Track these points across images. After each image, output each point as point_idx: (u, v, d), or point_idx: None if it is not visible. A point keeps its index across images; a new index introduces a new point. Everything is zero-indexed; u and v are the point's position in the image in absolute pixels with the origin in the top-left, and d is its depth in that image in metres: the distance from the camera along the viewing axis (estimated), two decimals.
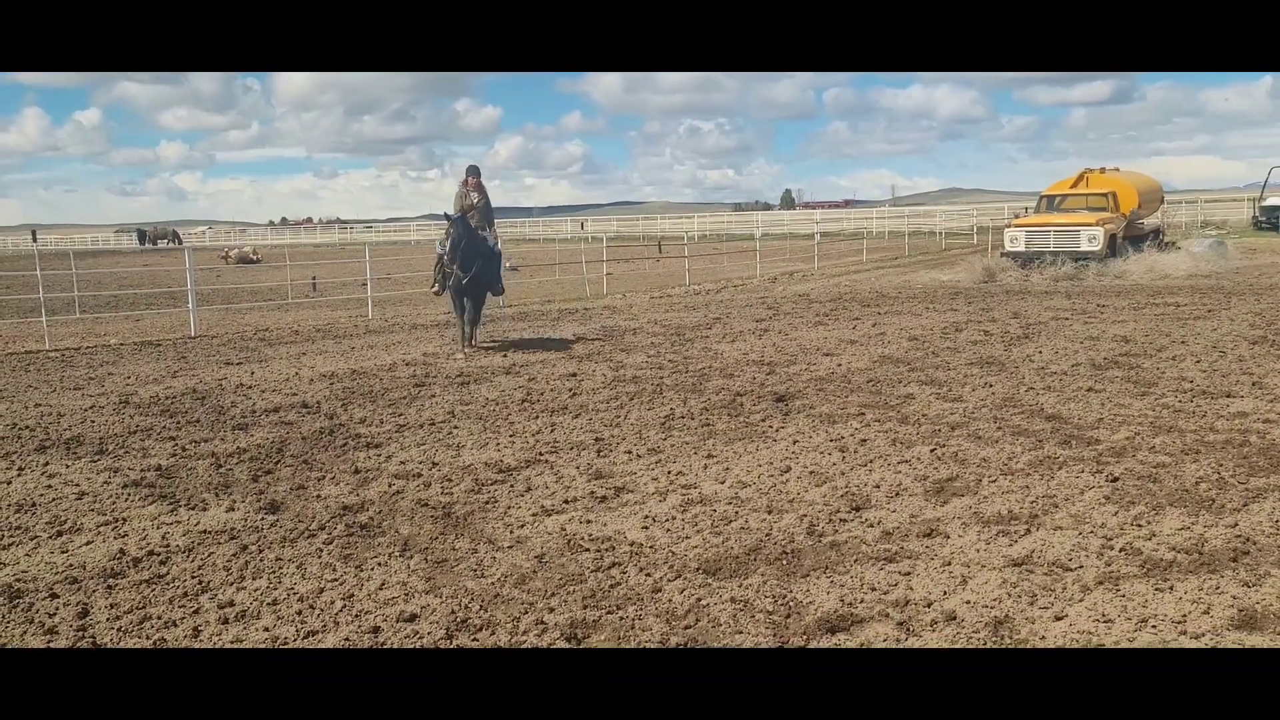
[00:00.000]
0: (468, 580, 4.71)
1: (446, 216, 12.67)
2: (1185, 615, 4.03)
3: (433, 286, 13.79)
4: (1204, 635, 3.83)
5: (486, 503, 5.96)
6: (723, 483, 6.28)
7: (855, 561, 4.81)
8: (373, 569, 4.87)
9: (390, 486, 6.32)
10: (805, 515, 5.54)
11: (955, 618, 4.11)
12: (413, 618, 4.27)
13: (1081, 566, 4.63)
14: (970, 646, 3.86)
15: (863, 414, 8.15)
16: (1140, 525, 5.17)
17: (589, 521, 5.56)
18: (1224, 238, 30.37)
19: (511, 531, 5.42)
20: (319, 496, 6.14)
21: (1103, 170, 25.74)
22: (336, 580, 4.73)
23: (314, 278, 26.10)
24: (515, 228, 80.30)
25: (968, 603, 4.26)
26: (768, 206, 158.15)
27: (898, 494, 5.92)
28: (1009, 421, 7.69)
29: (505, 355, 12.15)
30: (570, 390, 9.57)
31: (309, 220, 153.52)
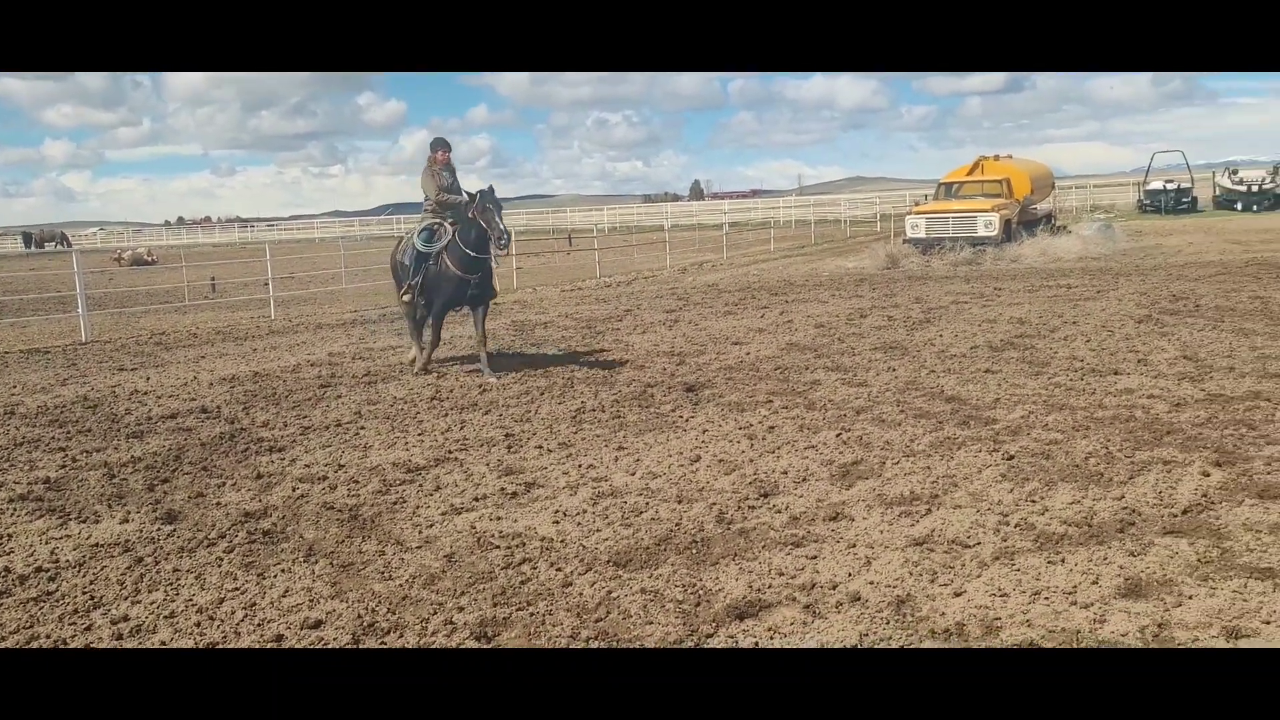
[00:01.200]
0: (375, 583, 4.63)
1: (470, 196, 10.01)
2: (1076, 586, 4.18)
3: (404, 293, 10.52)
4: (1093, 604, 3.98)
5: (394, 503, 5.87)
6: (633, 474, 6.30)
7: (763, 547, 4.87)
8: (276, 576, 4.75)
9: (294, 490, 6.18)
10: (715, 504, 5.59)
11: (860, 598, 4.20)
12: (317, 624, 4.19)
13: (979, 543, 4.77)
14: (875, 625, 3.94)
15: (771, 401, 8.25)
16: (1034, 501, 5.35)
17: (499, 518, 5.52)
18: (1112, 221, 31.56)
19: (420, 532, 5.34)
20: (219, 504, 5.97)
21: (996, 158, 26.54)
22: (237, 589, 4.60)
23: (213, 278, 25.34)
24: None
25: (871, 583, 4.35)
26: (676, 197, 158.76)
27: (805, 479, 6.02)
28: (911, 404, 7.88)
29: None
30: (480, 386, 9.48)
31: (207, 219, 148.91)
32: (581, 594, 4.41)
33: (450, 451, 7.02)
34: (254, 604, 4.42)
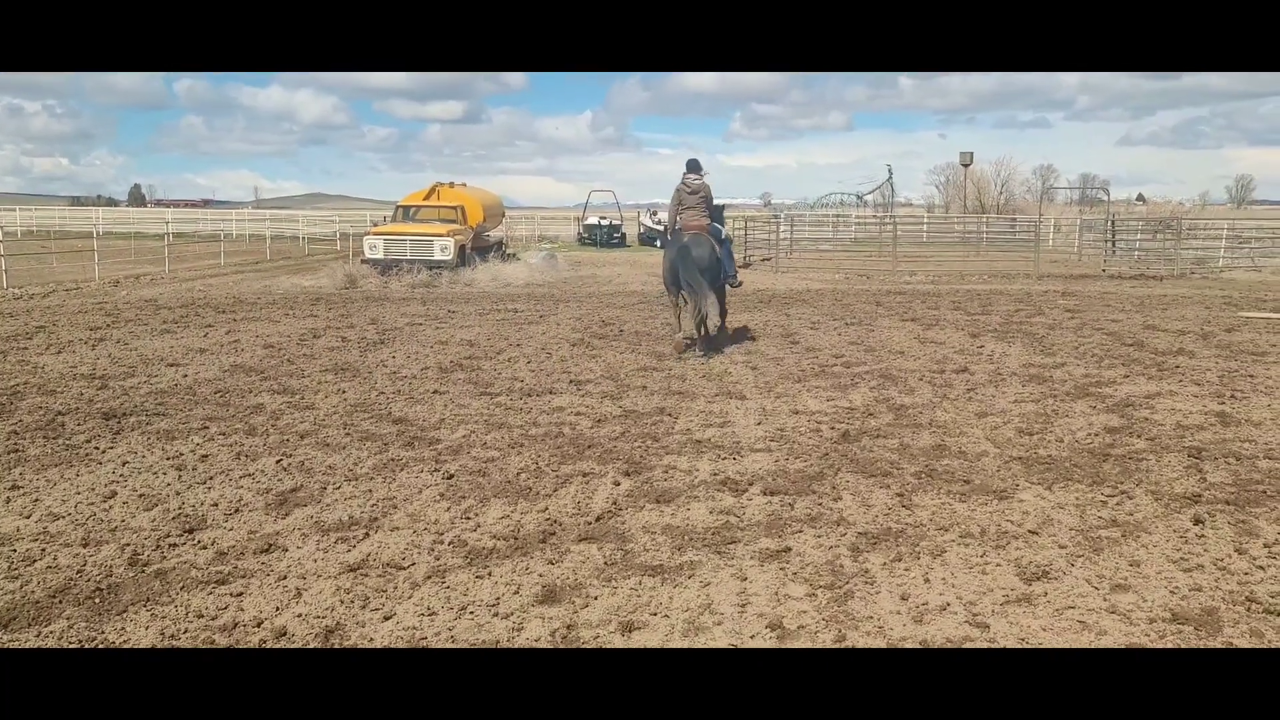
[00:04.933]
0: None
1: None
2: (499, 598, 4.39)
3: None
4: (513, 614, 4.22)
5: None
6: (29, 517, 5.45)
7: (182, 589, 4.47)
8: None
9: None
10: (129, 544, 5.03)
11: (286, 633, 4.02)
12: None
13: (414, 564, 4.82)
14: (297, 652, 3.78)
15: (206, 428, 7.67)
16: (469, 518, 5.56)
17: None
18: (555, 250, 34.33)
19: None
20: None
21: (452, 185, 27.54)
22: None
23: None
24: None
25: (300, 615, 4.19)
26: (113, 202, 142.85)
27: (237, 510, 5.65)
28: (358, 427, 7.80)
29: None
30: None
31: None
32: None
33: None
34: None
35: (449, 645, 3.93)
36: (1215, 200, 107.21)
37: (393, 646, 3.93)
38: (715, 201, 12.65)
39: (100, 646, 3.93)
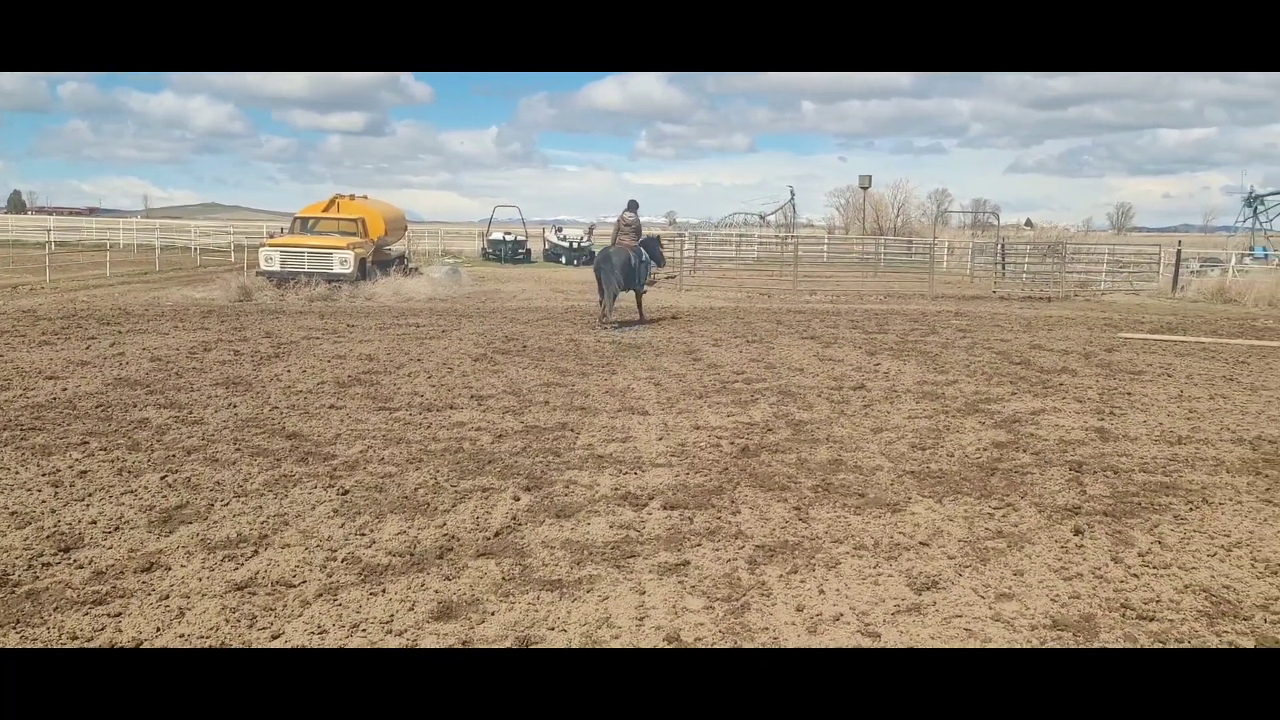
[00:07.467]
0: None
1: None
2: (393, 615, 4.31)
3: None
4: (407, 630, 4.14)
5: None
6: None
7: (55, 610, 4.27)
8: None
9: None
10: None
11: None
12: None
13: (305, 581, 4.70)
14: None
15: (86, 443, 7.35)
16: (363, 534, 5.44)
17: None
18: (459, 265, 33.99)
19: None
20: None
21: (352, 197, 27.04)
22: None
23: None
24: None
25: (182, 636, 4.04)
26: None
27: (118, 528, 5.43)
28: (249, 442, 7.58)
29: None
30: None
31: None
32: None
33: None
34: None
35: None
36: (1098, 226, 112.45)
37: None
38: (651, 234, 18.62)
39: (104, 646, 3.73)
